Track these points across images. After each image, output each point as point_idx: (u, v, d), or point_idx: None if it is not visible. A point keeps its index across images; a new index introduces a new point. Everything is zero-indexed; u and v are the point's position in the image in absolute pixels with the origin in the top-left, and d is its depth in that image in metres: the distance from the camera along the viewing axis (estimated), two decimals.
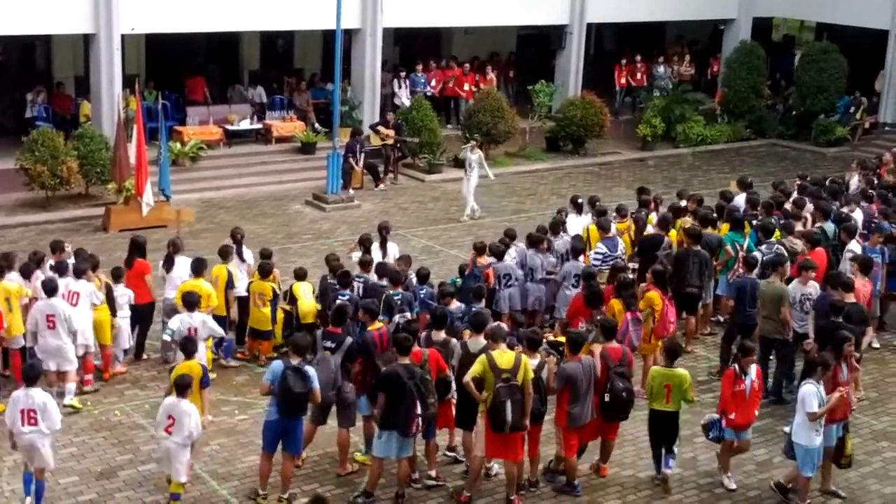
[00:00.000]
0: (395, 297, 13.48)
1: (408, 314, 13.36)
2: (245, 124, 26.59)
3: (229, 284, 14.71)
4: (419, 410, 11.02)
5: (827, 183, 20.34)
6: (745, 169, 27.32)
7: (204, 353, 13.01)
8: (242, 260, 15.47)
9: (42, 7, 22.40)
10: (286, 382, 10.94)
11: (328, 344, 11.77)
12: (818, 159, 29.62)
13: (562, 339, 12.38)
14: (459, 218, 22.56)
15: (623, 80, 32.15)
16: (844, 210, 17.85)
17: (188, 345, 11.90)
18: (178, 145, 24.34)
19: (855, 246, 16.06)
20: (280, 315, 14.99)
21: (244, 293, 15.06)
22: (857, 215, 17.59)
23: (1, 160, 22.62)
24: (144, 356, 15.07)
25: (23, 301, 13.71)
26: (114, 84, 23.57)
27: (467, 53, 31.42)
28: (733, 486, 12.15)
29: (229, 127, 26.25)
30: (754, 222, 16.76)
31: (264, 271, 14.86)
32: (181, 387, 10.95)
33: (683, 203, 17.85)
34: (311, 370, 11.13)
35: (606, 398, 11.67)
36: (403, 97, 28.70)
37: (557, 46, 30.76)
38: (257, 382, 13.12)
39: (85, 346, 13.72)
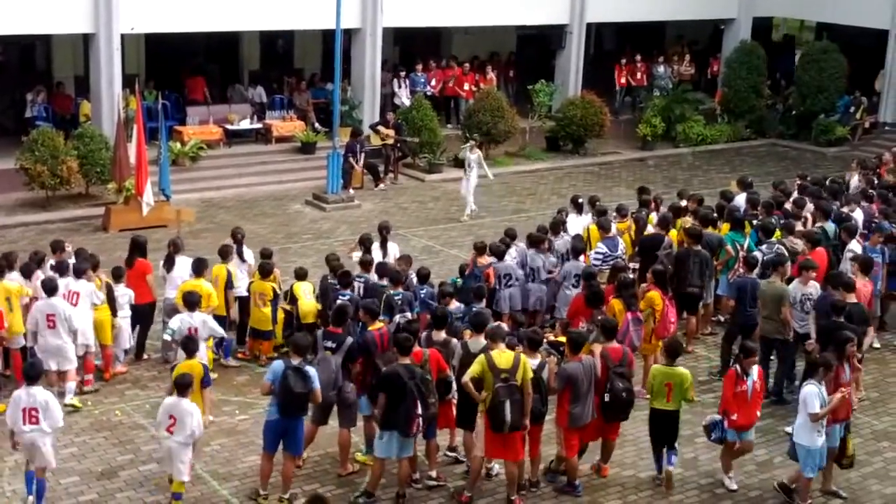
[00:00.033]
0: (396, 297, 13.47)
1: (408, 314, 13.35)
2: (245, 124, 26.59)
3: (229, 284, 14.72)
4: (420, 410, 11.01)
5: (827, 183, 20.33)
6: (745, 169, 27.32)
7: (205, 353, 13.01)
8: (243, 260, 15.46)
9: (42, 7, 22.39)
10: (287, 382, 10.94)
11: (329, 344, 11.77)
12: (818, 159, 29.62)
13: (562, 339, 12.39)
14: (460, 218, 22.56)
15: (623, 80, 32.15)
16: (845, 210, 17.84)
17: (189, 343, 11.91)
18: (178, 145, 24.34)
19: (855, 246, 16.06)
20: (280, 315, 14.99)
21: (245, 293, 15.06)
22: (858, 215, 17.58)
23: (1, 160, 22.62)
24: (145, 356, 15.07)
25: (23, 301, 13.71)
26: (114, 84, 23.57)
27: (467, 53, 31.43)
28: (734, 487, 12.15)
29: (229, 127, 26.25)
30: (755, 222, 16.76)
31: (265, 271, 14.86)
32: (182, 386, 10.95)
33: (684, 203, 17.85)
34: (311, 370, 11.13)
35: (606, 398, 11.66)
36: (403, 97, 28.70)
37: (557, 46, 30.76)
38: (258, 382, 13.12)
39: (85, 346, 13.72)
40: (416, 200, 24.17)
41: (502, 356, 11.16)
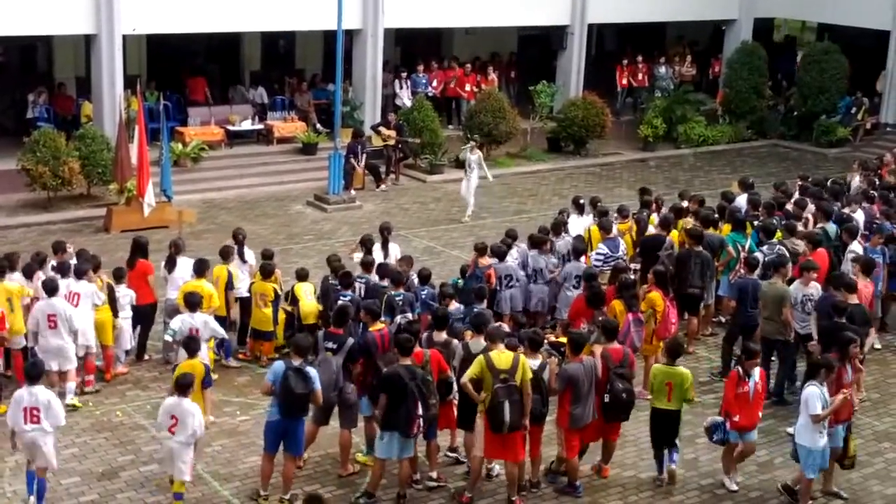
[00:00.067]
0: (397, 298, 13.48)
1: (409, 315, 13.35)
2: (246, 125, 26.59)
3: (229, 285, 14.72)
4: (420, 411, 11.02)
5: (828, 184, 20.31)
6: (746, 169, 27.31)
7: (206, 354, 13.01)
8: (244, 261, 15.47)
9: (43, 8, 22.41)
10: (287, 383, 10.94)
11: (330, 345, 11.77)
12: (819, 160, 29.60)
13: (563, 339, 12.39)
14: (461, 219, 22.56)
15: (624, 81, 32.16)
16: (846, 211, 17.84)
17: (191, 343, 11.93)
18: (180, 146, 24.35)
19: (856, 247, 16.05)
20: (281, 316, 14.99)
21: (246, 294, 15.07)
22: (859, 216, 17.57)
23: (2, 161, 22.64)
24: (146, 357, 15.08)
25: (24, 301, 13.72)
26: (115, 85, 23.58)
27: (468, 54, 31.43)
28: (735, 487, 12.15)
29: (231, 127, 26.26)
30: (756, 223, 16.76)
31: (266, 272, 14.87)
32: (182, 386, 10.96)
33: (685, 204, 17.85)
34: (312, 371, 11.13)
35: (606, 399, 11.67)
36: (405, 98, 28.69)
37: (559, 47, 30.76)
38: (259, 383, 13.12)
39: (86, 346, 13.73)
40: (417, 201, 24.17)
41: (501, 357, 11.17)
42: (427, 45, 31.56)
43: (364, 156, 24.29)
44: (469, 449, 11.85)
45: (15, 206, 22.07)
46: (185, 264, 14.81)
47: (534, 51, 32.97)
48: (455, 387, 11.71)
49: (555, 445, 12.10)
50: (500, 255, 15.21)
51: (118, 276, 14.53)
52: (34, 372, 11.10)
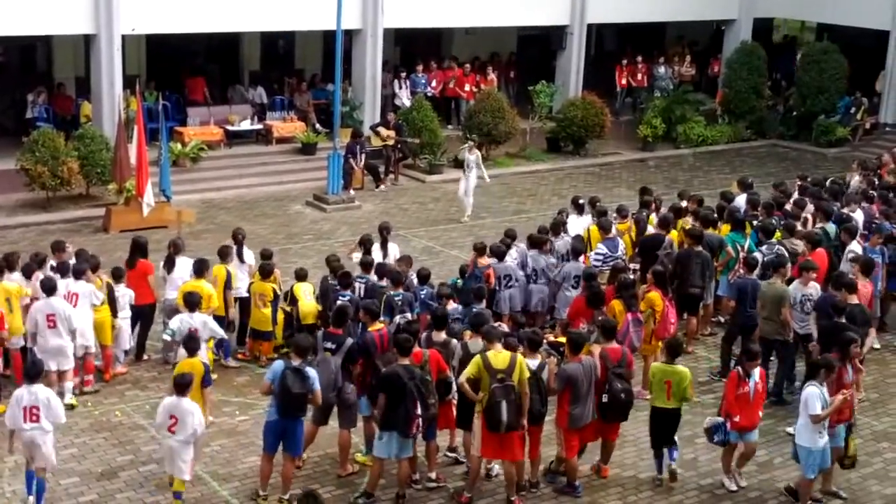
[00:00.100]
0: (396, 298, 13.47)
1: (408, 315, 13.35)
2: (246, 125, 26.59)
3: (227, 285, 14.71)
4: (419, 411, 11.02)
5: (828, 184, 20.31)
6: (745, 169, 27.31)
7: (205, 354, 13.01)
8: (243, 261, 15.45)
9: (43, 8, 22.40)
10: (285, 382, 10.94)
11: (329, 345, 11.77)
12: (819, 160, 29.60)
13: (562, 339, 12.39)
14: (460, 219, 22.56)
15: (624, 81, 32.17)
16: (845, 211, 17.84)
17: (191, 343, 11.93)
18: (179, 146, 24.34)
19: (856, 247, 16.05)
20: (280, 316, 14.99)
21: (245, 294, 15.07)
22: (858, 216, 17.57)
23: (1, 161, 22.63)
24: (145, 357, 15.07)
25: (23, 301, 13.71)
26: (114, 85, 23.57)
27: (468, 54, 31.43)
28: (734, 488, 12.14)
29: (230, 127, 26.26)
30: (755, 223, 16.76)
31: (265, 272, 14.86)
32: (181, 385, 10.95)
33: (684, 204, 17.85)
34: (311, 371, 11.13)
35: (605, 399, 11.66)
36: (404, 98, 28.70)
37: (558, 47, 30.76)
38: (258, 383, 13.12)
39: (85, 346, 13.72)
40: (416, 201, 24.17)
41: (498, 356, 11.17)
42: (426, 45, 31.56)
43: (363, 156, 24.30)
44: (468, 449, 11.85)
45: (14, 205, 22.06)
46: (184, 264, 14.81)
47: (533, 51, 32.96)
48: (454, 387, 11.71)
49: (554, 445, 12.10)
50: (500, 254, 15.21)
51: (117, 275, 14.53)
52: (34, 371, 11.11)
